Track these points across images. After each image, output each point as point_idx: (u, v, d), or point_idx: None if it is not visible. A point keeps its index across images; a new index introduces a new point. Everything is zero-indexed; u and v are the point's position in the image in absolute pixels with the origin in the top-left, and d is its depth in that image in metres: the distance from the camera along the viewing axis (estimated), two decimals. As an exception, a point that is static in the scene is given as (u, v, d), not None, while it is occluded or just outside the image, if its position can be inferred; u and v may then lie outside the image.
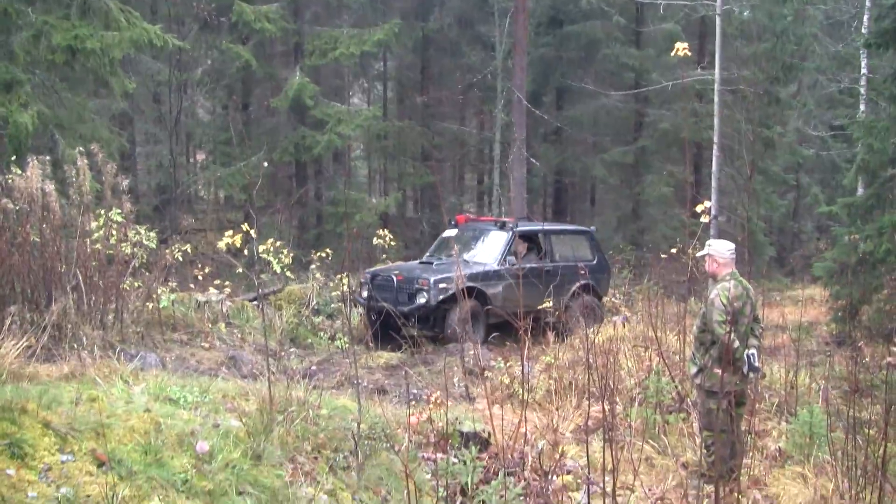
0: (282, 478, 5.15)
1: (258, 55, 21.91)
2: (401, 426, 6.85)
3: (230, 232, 12.50)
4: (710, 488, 6.05)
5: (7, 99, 12.09)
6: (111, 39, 12.91)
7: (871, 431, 6.74)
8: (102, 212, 9.92)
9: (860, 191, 15.64)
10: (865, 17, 18.32)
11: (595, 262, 15.55)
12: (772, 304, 16.67)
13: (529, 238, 15.22)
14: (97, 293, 9.32)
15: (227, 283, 13.84)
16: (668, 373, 8.66)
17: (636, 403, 8.41)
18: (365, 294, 14.10)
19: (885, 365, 7.39)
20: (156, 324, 10.60)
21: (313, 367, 9.88)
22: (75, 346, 8.44)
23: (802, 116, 25.56)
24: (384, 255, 16.97)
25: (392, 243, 16.12)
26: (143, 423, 4.99)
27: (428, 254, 15.72)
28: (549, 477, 6.33)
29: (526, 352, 7.39)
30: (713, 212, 15.17)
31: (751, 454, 7.28)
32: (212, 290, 13.13)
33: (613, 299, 17.20)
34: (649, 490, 6.50)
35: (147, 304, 10.57)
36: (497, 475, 5.99)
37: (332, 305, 14.91)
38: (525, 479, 6.19)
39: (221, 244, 12.32)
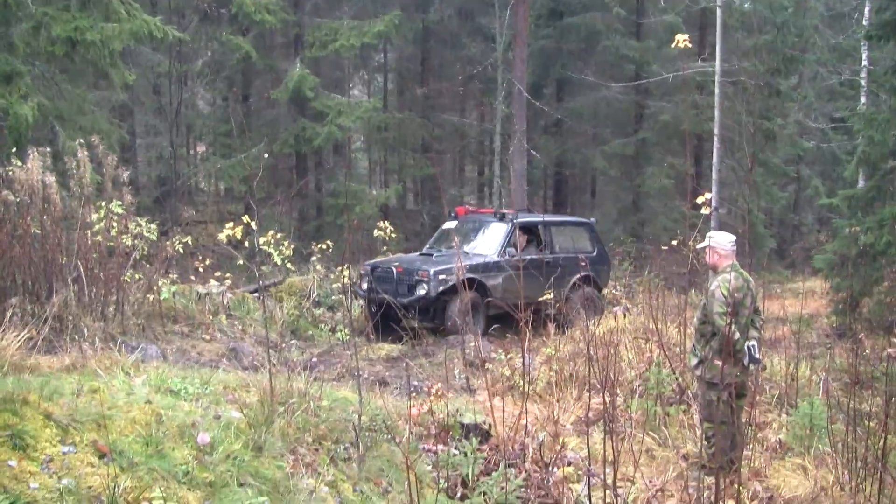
0: (283, 469, 5.15)
1: (258, 47, 21.89)
2: (402, 418, 6.85)
3: (231, 224, 12.56)
4: (710, 480, 6.05)
5: (7, 90, 12.07)
6: (111, 31, 12.89)
7: (871, 423, 6.75)
8: (103, 204, 9.92)
9: (861, 183, 15.63)
10: (866, 9, 18.27)
11: (595, 253, 15.56)
12: (772, 297, 16.68)
13: (529, 230, 15.22)
14: (98, 285, 9.32)
15: (227, 274, 13.84)
16: (668, 364, 8.67)
17: (637, 395, 8.42)
18: (365, 286, 14.10)
19: (886, 357, 7.39)
20: (156, 316, 10.60)
21: (314, 359, 9.90)
22: (76, 337, 8.45)
23: (803, 108, 25.52)
24: (385, 247, 16.97)
25: (392, 235, 16.12)
26: (145, 415, 4.99)
27: (428, 246, 15.73)
28: (550, 468, 6.34)
29: (527, 343, 7.40)
30: (714, 204, 15.18)
31: (751, 446, 7.30)
32: (212, 281, 13.13)
33: (614, 291, 17.20)
34: (650, 481, 6.50)
35: (148, 295, 10.57)
36: (498, 467, 6.00)
37: (333, 297, 14.92)
38: (526, 471, 6.20)
39: (222, 236, 12.39)
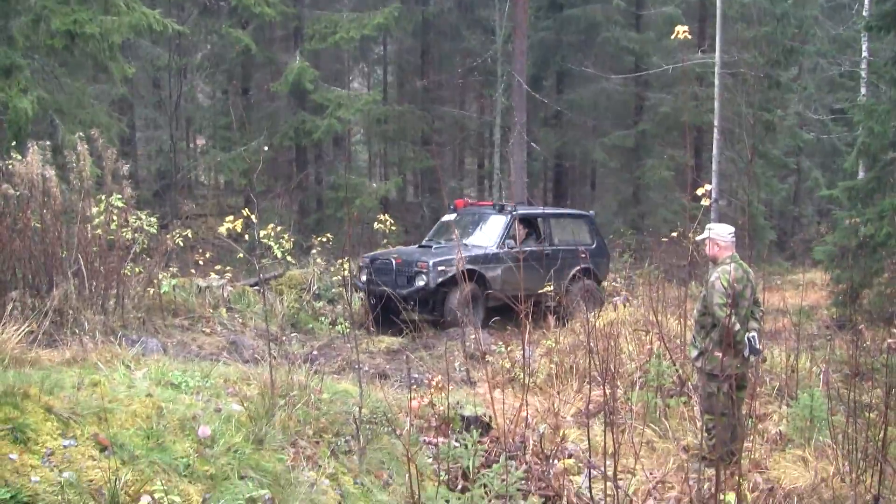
0: (283, 462, 5.16)
1: (258, 39, 21.86)
2: (402, 410, 6.86)
3: (231, 217, 12.57)
4: (710, 471, 6.06)
5: (6, 84, 12.06)
6: (110, 24, 12.86)
7: (871, 415, 6.76)
8: (103, 197, 9.91)
9: (861, 174, 15.62)
10: (866, 0, 18.24)
11: (594, 246, 15.56)
12: (772, 288, 16.69)
13: (528, 222, 15.23)
14: (98, 278, 9.32)
15: (227, 268, 13.86)
16: (668, 356, 8.68)
17: (637, 387, 8.43)
18: (364, 278, 14.10)
19: (886, 348, 7.39)
20: (157, 309, 10.61)
21: (314, 352, 9.91)
22: (77, 331, 8.45)
23: (803, 100, 25.47)
24: (385, 240, 16.98)
25: (393, 228, 16.13)
26: (145, 408, 5.00)
27: (427, 238, 15.73)
28: (551, 461, 6.35)
29: (527, 336, 7.40)
30: (714, 195, 15.16)
31: (751, 437, 7.30)
32: (213, 275, 13.14)
33: (614, 283, 17.21)
34: (650, 473, 6.52)
35: (148, 289, 10.57)
36: (499, 459, 6.01)
37: (333, 290, 14.93)
38: (526, 463, 6.21)
39: (222, 229, 12.38)
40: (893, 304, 13.27)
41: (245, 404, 5.53)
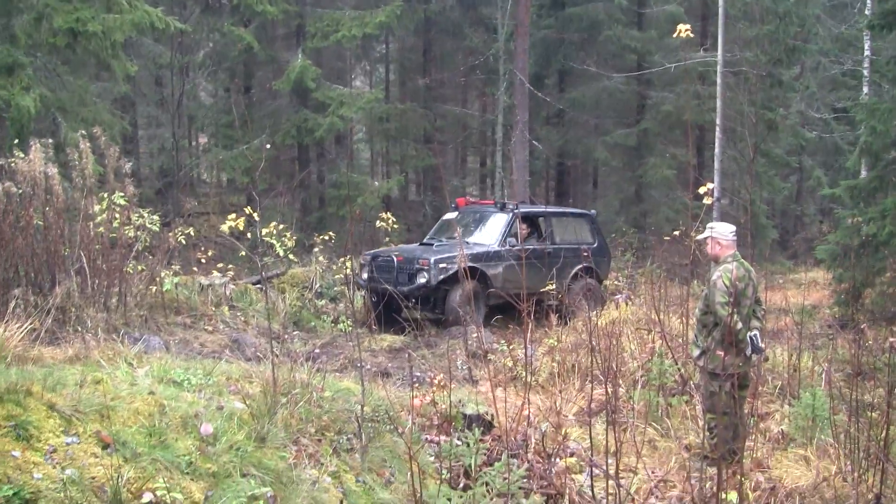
0: (286, 459, 5.17)
1: (260, 38, 21.86)
2: (404, 409, 6.86)
3: (233, 215, 12.58)
4: (712, 470, 6.06)
5: (9, 82, 12.08)
6: (113, 22, 12.88)
7: (873, 414, 6.76)
8: (105, 195, 9.93)
9: (863, 173, 15.59)
10: (869, -1, 18.23)
11: (595, 245, 15.55)
12: (774, 287, 16.67)
13: (530, 221, 15.23)
14: (100, 276, 9.33)
15: (230, 266, 13.86)
16: (670, 355, 8.68)
17: (639, 386, 8.43)
18: (365, 276, 14.10)
19: (888, 347, 7.39)
20: (159, 307, 10.62)
21: (316, 350, 9.92)
22: (79, 328, 8.47)
23: (805, 99, 25.45)
24: (387, 238, 16.98)
25: (395, 226, 16.13)
26: (148, 406, 5.01)
27: (428, 236, 15.73)
28: (553, 459, 6.35)
29: (529, 334, 7.40)
30: (716, 194, 15.16)
31: (753, 436, 7.30)
32: (215, 273, 13.14)
33: (616, 282, 17.20)
34: (652, 472, 6.52)
35: (150, 287, 10.58)
36: (500, 457, 6.01)
37: (335, 288, 14.93)
38: (528, 462, 6.21)
39: (224, 227, 12.39)
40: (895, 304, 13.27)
41: (247, 402, 5.54)
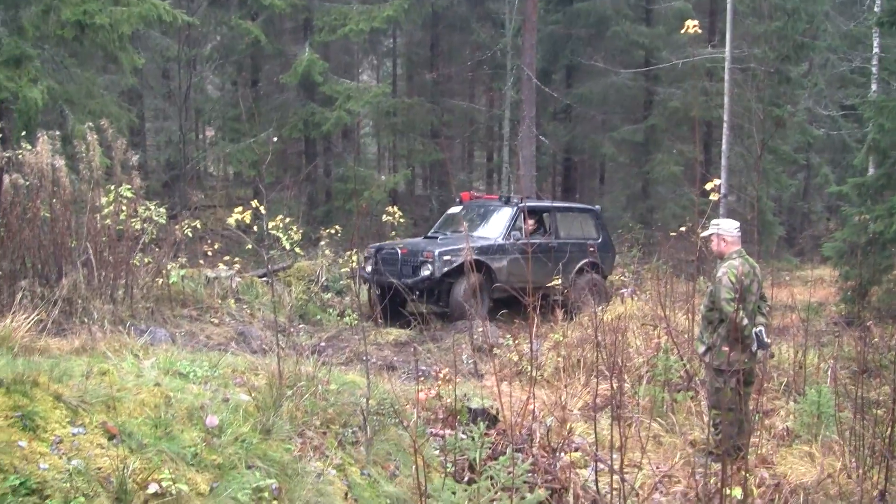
0: (291, 452, 5.18)
1: (267, 31, 21.85)
2: (409, 402, 6.88)
3: (240, 208, 12.56)
4: (717, 466, 6.06)
5: (17, 74, 12.08)
6: (120, 14, 12.88)
7: (879, 411, 6.75)
8: (112, 187, 9.94)
9: (871, 171, 15.58)
10: (878, -4, 18.19)
11: (600, 240, 15.53)
12: (781, 284, 16.64)
13: (534, 215, 15.21)
14: (107, 268, 9.35)
15: (236, 259, 13.87)
16: (676, 351, 8.67)
17: (644, 381, 8.43)
18: (368, 269, 14.10)
19: (894, 345, 7.39)
20: (165, 299, 10.63)
21: (322, 343, 9.92)
22: (86, 320, 8.48)
23: (813, 96, 25.40)
24: (393, 232, 16.99)
25: (401, 220, 16.13)
26: (154, 397, 5.02)
27: (433, 230, 15.72)
28: (558, 453, 6.36)
29: (534, 329, 7.41)
30: (723, 191, 15.14)
31: (758, 433, 7.30)
32: (221, 265, 13.16)
33: (622, 278, 17.19)
34: (657, 467, 6.52)
35: (157, 279, 10.59)
36: (505, 451, 6.02)
37: (342, 282, 14.94)
38: (533, 456, 6.22)
39: (231, 220, 12.37)
40: (902, 302, 13.26)
41: (253, 394, 5.55)
